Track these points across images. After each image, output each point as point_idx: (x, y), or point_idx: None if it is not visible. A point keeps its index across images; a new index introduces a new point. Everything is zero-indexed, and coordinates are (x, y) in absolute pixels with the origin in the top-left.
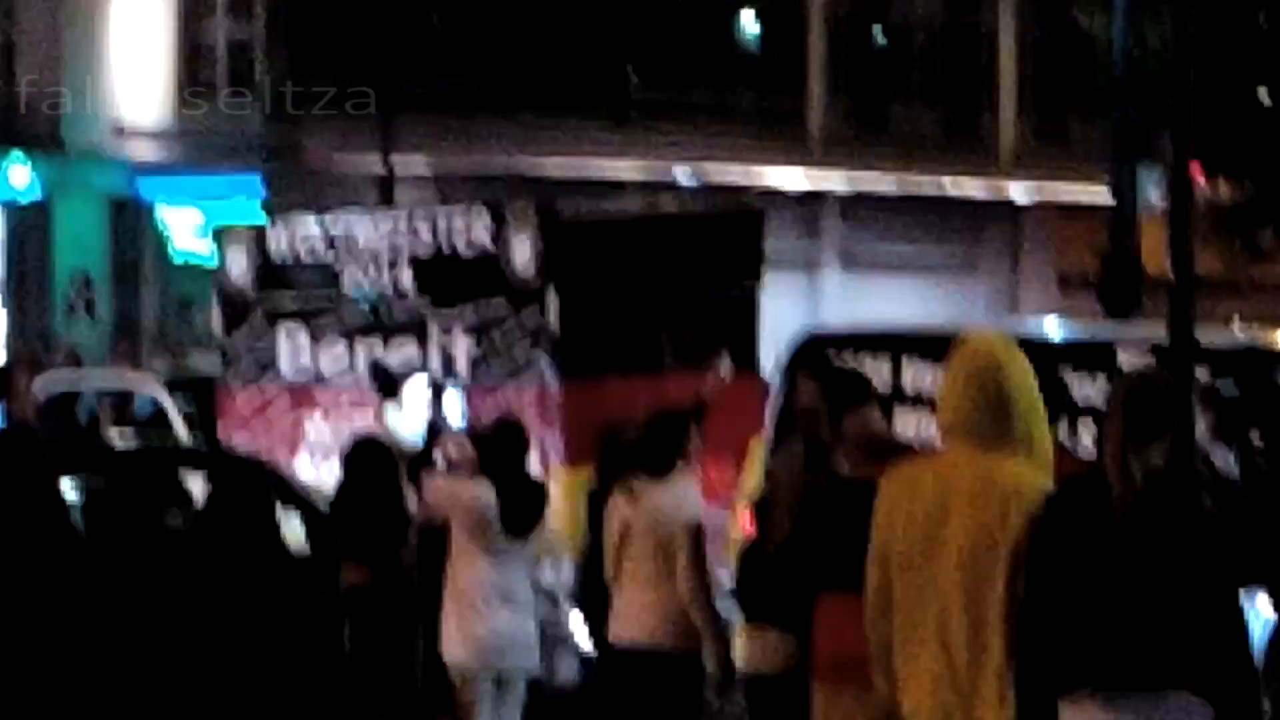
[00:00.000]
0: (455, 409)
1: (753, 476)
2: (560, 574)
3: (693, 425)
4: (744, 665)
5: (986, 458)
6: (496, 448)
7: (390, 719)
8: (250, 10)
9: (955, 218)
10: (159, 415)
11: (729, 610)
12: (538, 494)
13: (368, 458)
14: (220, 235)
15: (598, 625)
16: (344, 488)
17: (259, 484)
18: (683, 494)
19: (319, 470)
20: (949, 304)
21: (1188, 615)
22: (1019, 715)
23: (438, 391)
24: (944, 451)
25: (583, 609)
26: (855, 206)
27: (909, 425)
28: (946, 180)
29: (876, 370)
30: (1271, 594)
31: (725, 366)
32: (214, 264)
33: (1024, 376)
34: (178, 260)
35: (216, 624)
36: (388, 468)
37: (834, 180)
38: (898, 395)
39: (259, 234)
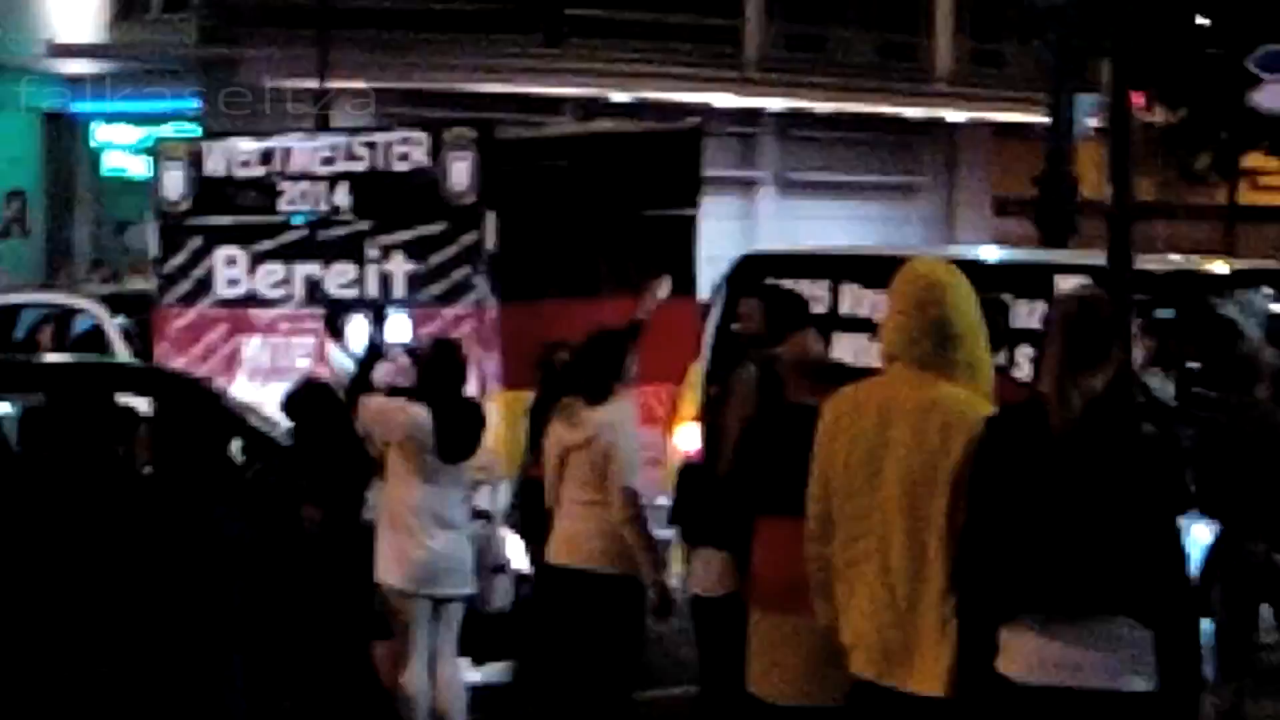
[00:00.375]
0: (399, 331)
1: (689, 400)
2: (497, 497)
3: (629, 348)
4: (688, 588)
5: (927, 383)
6: (432, 369)
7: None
8: None
9: (891, 140)
10: (96, 335)
11: (665, 533)
12: (474, 416)
13: (312, 402)
14: (157, 152)
15: (538, 548)
16: (296, 434)
17: (209, 407)
18: (619, 417)
19: (257, 392)
20: (885, 227)
21: (1126, 540)
22: (959, 642)
23: (379, 314)
24: (885, 376)
25: (521, 532)
26: (791, 128)
27: (847, 349)
28: (883, 103)
29: (814, 294)
30: (1208, 519)
31: (661, 288)
32: (149, 182)
33: (966, 301)
34: (112, 178)
35: (160, 545)
36: (335, 408)
37: (770, 102)
38: (835, 319)
39: (196, 152)
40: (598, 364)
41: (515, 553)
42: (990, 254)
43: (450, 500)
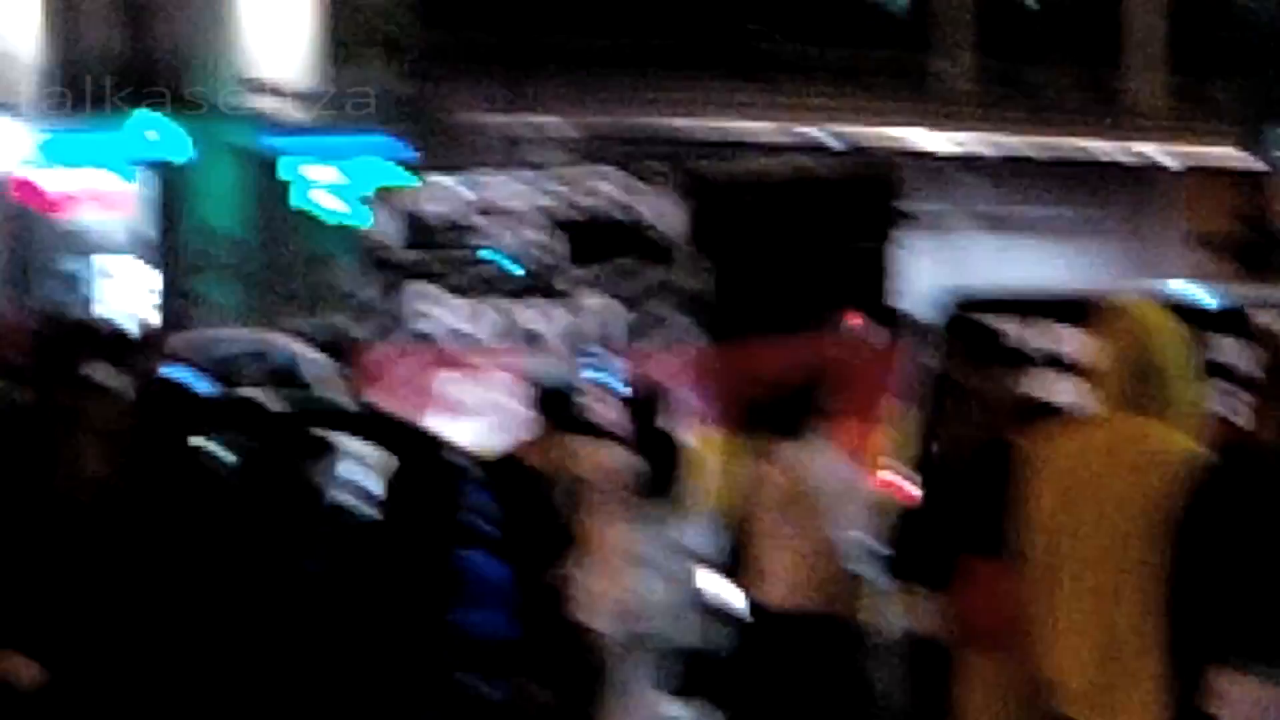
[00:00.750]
0: (600, 369)
1: (890, 438)
2: (705, 537)
3: (828, 386)
4: (902, 626)
5: (1138, 424)
6: (637, 409)
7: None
8: None
9: (1087, 178)
10: (300, 373)
11: (872, 572)
12: (679, 456)
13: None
14: (368, 194)
15: (743, 588)
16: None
17: (442, 462)
18: (820, 455)
19: (453, 427)
20: (1080, 265)
21: None
22: (1169, 687)
23: (583, 353)
24: (1093, 417)
25: (728, 572)
26: (989, 167)
27: (1050, 390)
28: (1079, 138)
29: (1018, 333)
30: None
31: (863, 327)
32: (353, 221)
33: (1175, 342)
34: (315, 216)
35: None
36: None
37: (967, 138)
38: (1038, 359)
39: (404, 194)
40: (796, 402)
41: (724, 593)
42: (1193, 292)
43: (655, 540)
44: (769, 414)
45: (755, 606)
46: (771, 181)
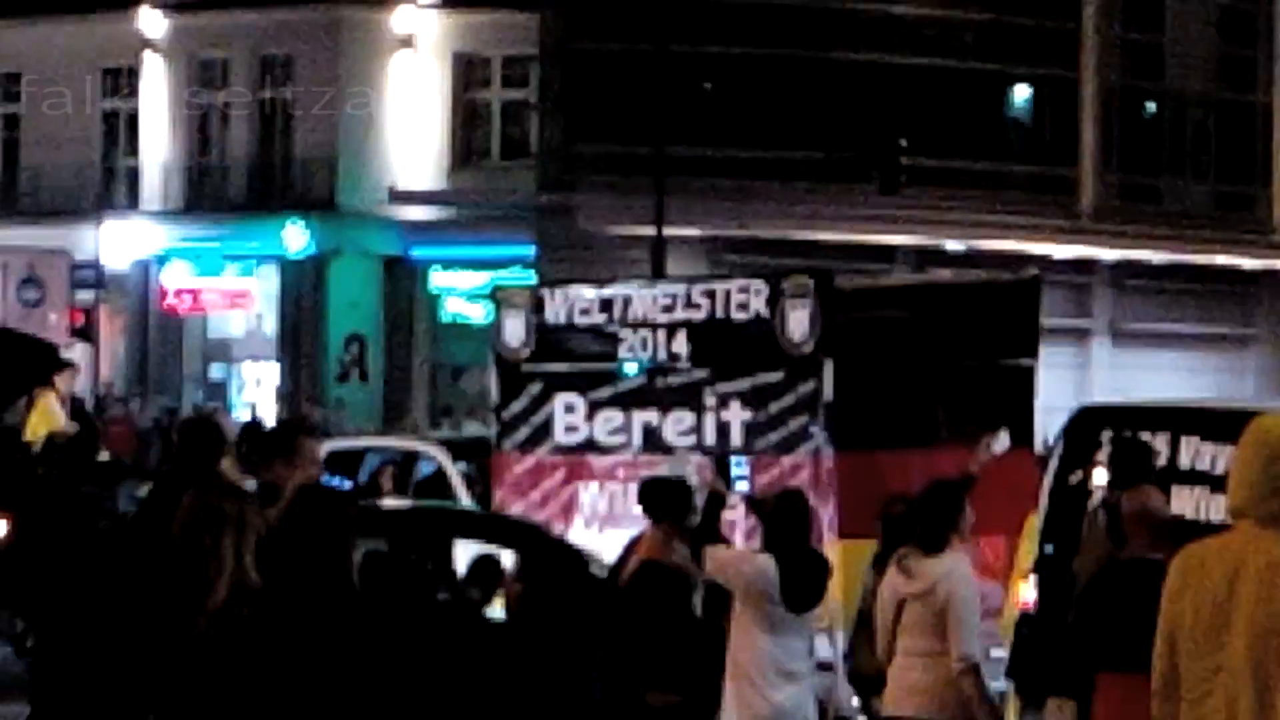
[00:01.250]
0: (739, 478)
1: (1027, 551)
2: (836, 646)
3: (966, 499)
4: None
5: (1276, 541)
6: (779, 519)
7: None
8: (526, 76)
9: (1227, 290)
10: (439, 479)
11: (1000, 685)
12: (820, 567)
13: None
14: (497, 298)
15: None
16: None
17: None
18: (956, 569)
19: (594, 539)
20: (1219, 378)
21: None
22: None
23: (721, 462)
24: (1232, 533)
25: (855, 682)
26: (1126, 278)
27: (1187, 504)
28: (1219, 252)
29: (1154, 446)
30: None
31: (999, 442)
32: (486, 328)
33: None
34: (449, 323)
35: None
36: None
37: (1105, 252)
38: (1175, 472)
39: (536, 298)
40: (935, 514)
41: (854, 702)
42: None
43: (795, 651)
44: (909, 525)
45: (884, 717)
46: (909, 292)
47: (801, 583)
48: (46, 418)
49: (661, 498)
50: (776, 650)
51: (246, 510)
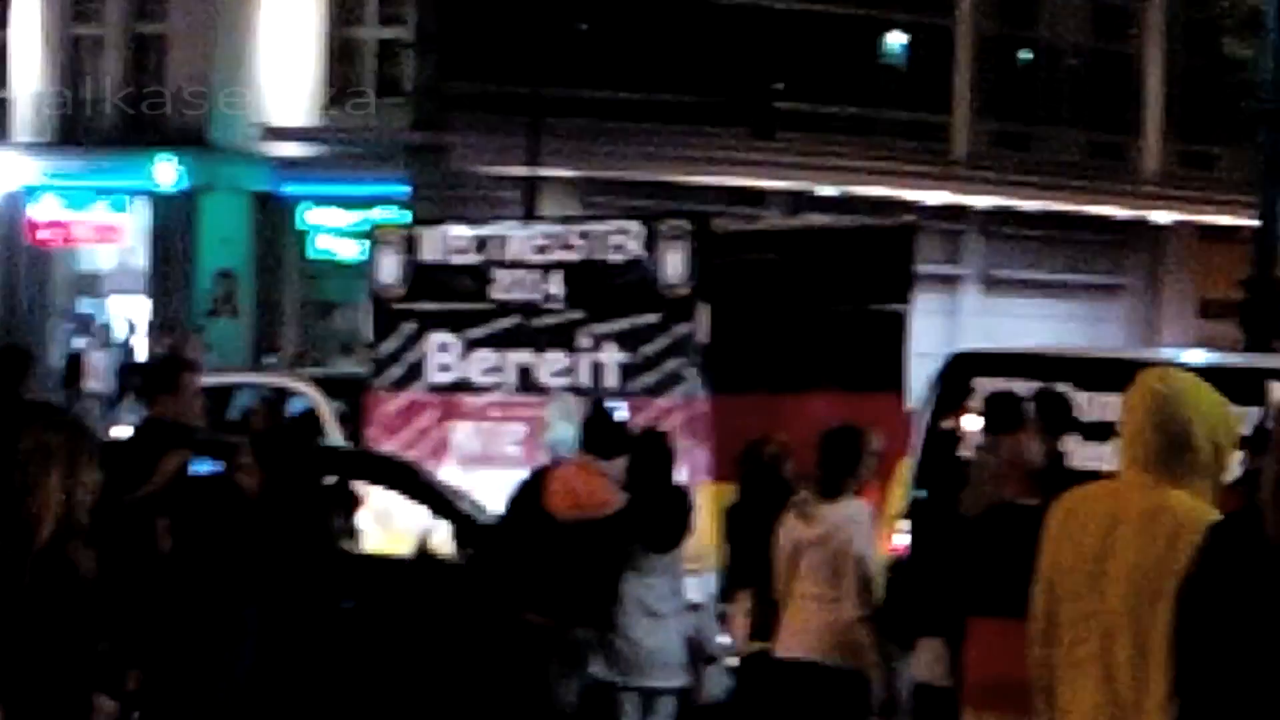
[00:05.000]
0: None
1: (898, 496)
2: (706, 587)
3: (864, 447)
4: (912, 679)
5: (1159, 489)
6: (638, 461)
7: None
8: (400, 14)
9: (1097, 240)
10: (311, 417)
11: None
12: (682, 507)
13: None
14: (372, 237)
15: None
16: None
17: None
18: (855, 515)
19: (466, 478)
20: (1087, 326)
21: None
22: None
23: (598, 405)
24: (1115, 481)
25: (724, 622)
26: (997, 224)
27: (1070, 454)
28: (1089, 202)
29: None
30: None
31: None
32: (358, 265)
33: (1201, 411)
34: (320, 260)
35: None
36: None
37: (977, 199)
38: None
39: (411, 237)
40: (834, 461)
41: (723, 642)
42: (1196, 357)
43: (659, 591)
44: (776, 472)
45: (774, 658)
46: (785, 236)
47: (660, 523)
48: None
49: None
50: (640, 590)
51: (79, 443)
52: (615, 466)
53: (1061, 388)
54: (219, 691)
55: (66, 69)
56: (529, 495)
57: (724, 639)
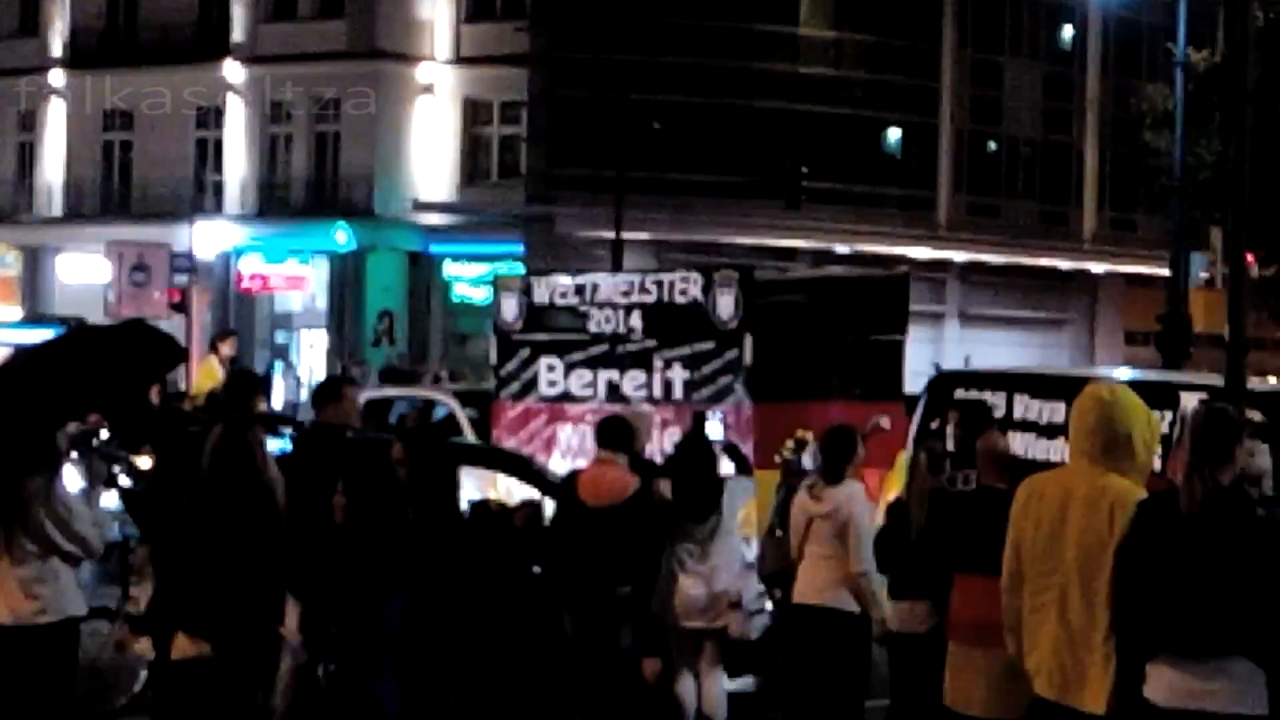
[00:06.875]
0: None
1: (897, 480)
2: (751, 550)
3: (859, 442)
4: (894, 627)
5: (1102, 475)
6: (675, 457)
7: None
8: (517, 116)
9: (1047, 286)
10: (451, 421)
11: (880, 581)
12: (715, 489)
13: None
14: (497, 284)
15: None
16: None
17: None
18: (853, 494)
19: (566, 466)
20: (1040, 351)
21: (1245, 599)
22: (1118, 674)
23: (698, 416)
24: (1067, 468)
25: (765, 579)
26: (971, 274)
27: (1019, 446)
28: (1041, 257)
29: (994, 402)
30: None
31: (883, 420)
32: (486, 306)
33: (1132, 415)
34: (457, 303)
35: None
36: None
37: (956, 254)
38: (1010, 422)
39: (526, 285)
40: (836, 453)
41: (762, 594)
42: (1125, 374)
43: (690, 550)
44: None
45: (794, 604)
46: (809, 283)
47: (697, 500)
48: (209, 376)
49: (613, 432)
50: (682, 552)
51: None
52: (622, 457)
53: (1020, 398)
54: (380, 642)
55: (265, 159)
56: (567, 492)
57: (760, 590)
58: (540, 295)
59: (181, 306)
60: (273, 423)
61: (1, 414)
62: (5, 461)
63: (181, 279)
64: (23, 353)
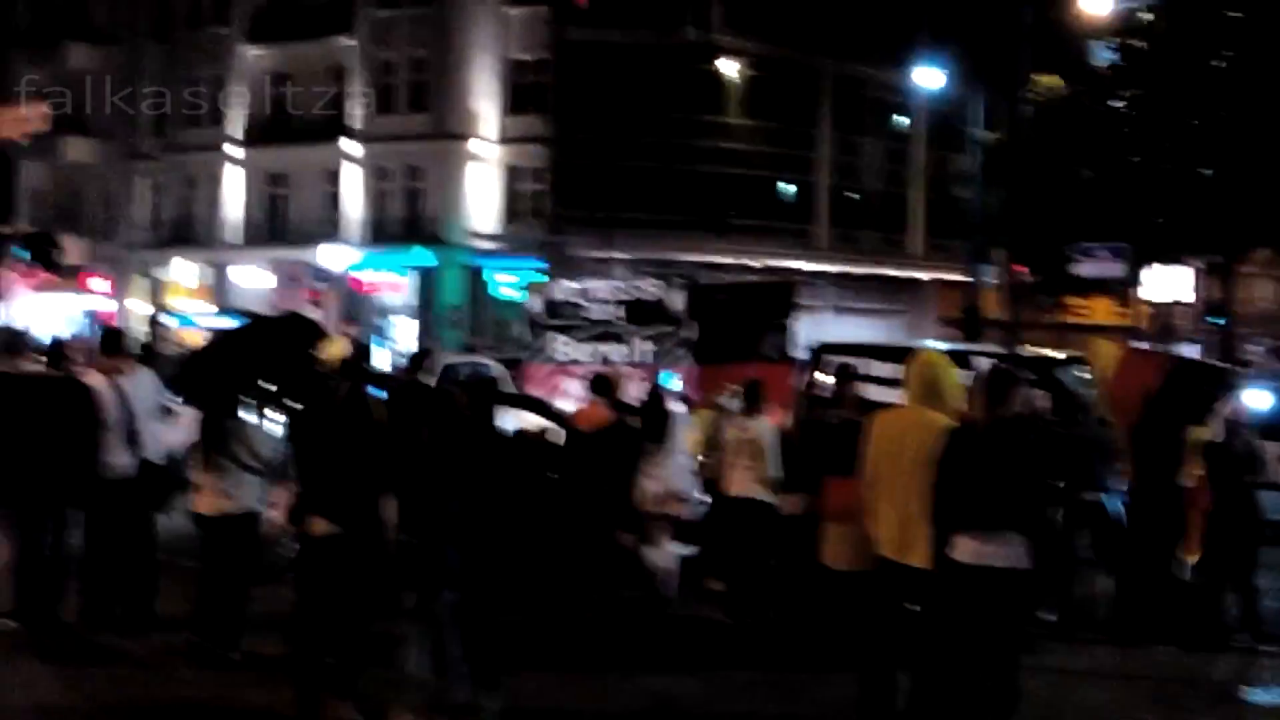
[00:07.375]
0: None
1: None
2: (694, 462)
3: (764, 391)
4: (784, 510)
5: (925, 412)
6: (645, 404)
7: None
8: (543, 175)
9: (890, 289)
10: (494, 378)
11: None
12: (669, 421)
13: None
14: (528, 288)
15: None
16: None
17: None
18: (765, 424)
19: (570, 406)
20: (885, 330)
21: (1015, 492)
22: (935, 541)
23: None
24: (903, 408)
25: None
26: (839, 280)
27: (870, 393)
28: (886, 267)
29: (859, 363)
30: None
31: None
32: (520, 303)
33: (948, 373)
34: (501, 300)
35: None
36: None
37: (828, 266)
38: (865, 377)
39: (546, 287)
40: (752, 395)
41: (700, 490)
42: (941, 346)
43: (658, 462)
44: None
45: (726, 496)
46: (734, 287)
47: (652, 428)
48: (339, 349)
49: (600, 383)
50: (648, 464)
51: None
52: (605, 400)
53: (872, 361)
54: (446, 521)
55: (374, 204)
56: (570, 423)
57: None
58: (556, 295)
59: (317, 303)
60: (378, 379)
61: (208, 375)
62: (211, 407)
63: (319, 285)
64: (219, 334)
